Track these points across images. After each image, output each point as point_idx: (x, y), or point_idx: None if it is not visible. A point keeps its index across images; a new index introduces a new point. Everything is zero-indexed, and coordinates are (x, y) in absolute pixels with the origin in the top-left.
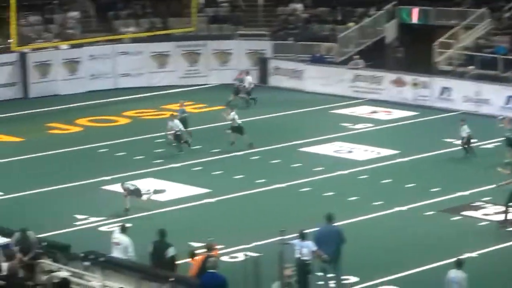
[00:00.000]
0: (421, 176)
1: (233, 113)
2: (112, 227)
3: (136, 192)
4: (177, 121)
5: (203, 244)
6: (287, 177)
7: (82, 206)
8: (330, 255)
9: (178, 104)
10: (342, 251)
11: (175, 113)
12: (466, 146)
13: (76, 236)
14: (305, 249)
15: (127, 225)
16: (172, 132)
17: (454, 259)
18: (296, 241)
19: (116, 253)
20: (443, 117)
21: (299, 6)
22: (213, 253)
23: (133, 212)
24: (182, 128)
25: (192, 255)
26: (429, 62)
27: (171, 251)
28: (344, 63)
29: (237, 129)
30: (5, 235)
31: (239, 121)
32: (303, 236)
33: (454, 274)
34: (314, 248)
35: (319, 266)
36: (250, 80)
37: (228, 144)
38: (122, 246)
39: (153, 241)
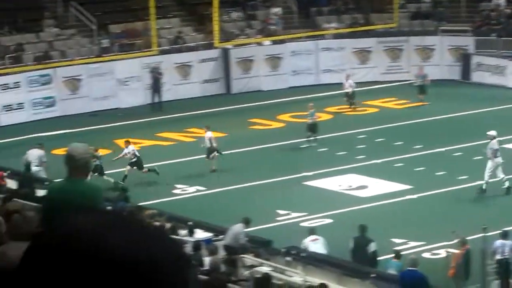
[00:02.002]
0: None
1: (131, 146)
2: (313, 223)
3: None
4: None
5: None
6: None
7: (284, 201)
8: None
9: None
10: None
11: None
12: None
13: (278, 231)
14: (507, 248)
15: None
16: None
17: None
18: (497, 241)
19: (316, 247)
20: None
21: (502, 2)
22: (466, 246)
23: (333, 208)
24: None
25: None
26: None
27: (372, 247)
28: None
29: (137, 164)
30: (208, 229)
31: (138, 154)
32: (505, 235)
33: None
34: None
35: None
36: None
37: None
38: (319, 240)
39: (354, 236)
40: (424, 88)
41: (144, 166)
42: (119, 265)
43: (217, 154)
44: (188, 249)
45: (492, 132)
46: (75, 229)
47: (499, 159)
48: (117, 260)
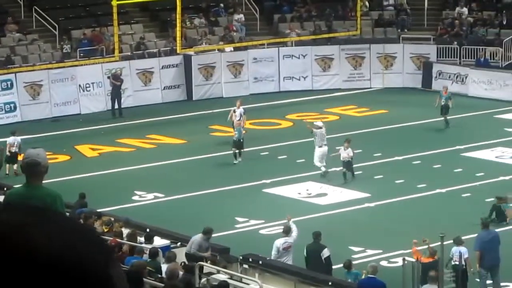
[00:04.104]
0: None
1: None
2: (271, 231)
3: None
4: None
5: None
6: (448, 182)
7: (243, 208)
8: (492, 261)
9: None
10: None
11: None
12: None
13: (236, 238)
14: (463, 254)
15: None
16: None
17: None
18: (453, 248)
19: (287, 258)
20: None
21: (464, 10)
22: (435, 257)
23: (291, 216)
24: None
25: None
26: None
27: (325, 253)
28: (509, 67)
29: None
30: (166, 236)
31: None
32: (458, 242)
33: None
34: (466, 255)
35: (477, 273)
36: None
37: None
38: (292, 248)
39: (307, 244)
40: (448, 109)
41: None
42: (41, 263)
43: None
44: (146, 256)
45: (319, 123)
46: None
47: (325, 148)
48: (39, 257)
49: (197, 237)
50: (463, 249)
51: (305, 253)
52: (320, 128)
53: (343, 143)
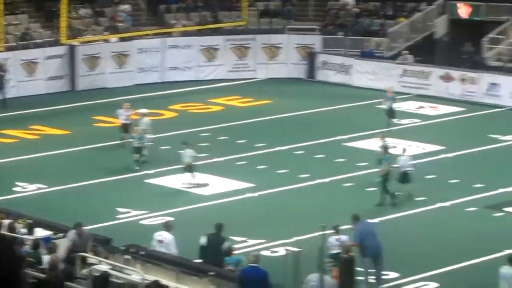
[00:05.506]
0: (465, 172)
1: None
2: (153, 221)
3: None
4: None
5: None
6: (331, 172)
7: (124, 199)
8: (374, 251)
9: None
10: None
11: None
12: None
13: (117, 229)
14: (338, 244)
15: (170, 219)
16: None
17: (503, 254)
18: (331, 238)
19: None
20: (490, 113)
21: (350, 1)
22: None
23: (174, 206)
24: None
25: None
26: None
27: (227, 245)
28: (393, 58)
29: None
30: (48, 227)
31: None
32: (337, 231)
33: (506, 270)
34: (348, 242)
35: (360, 261)
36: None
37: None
38: (165, 243)
39: (208, 234)
40: (394, 111)
41: None
42: None
43: None
44: (27, 247)
45: (144, 110)
46: None
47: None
48: None
49: (70, 234)
50: (344, 237)
51: (204, 242)
52: (145, 115)
53: (181, 145)
